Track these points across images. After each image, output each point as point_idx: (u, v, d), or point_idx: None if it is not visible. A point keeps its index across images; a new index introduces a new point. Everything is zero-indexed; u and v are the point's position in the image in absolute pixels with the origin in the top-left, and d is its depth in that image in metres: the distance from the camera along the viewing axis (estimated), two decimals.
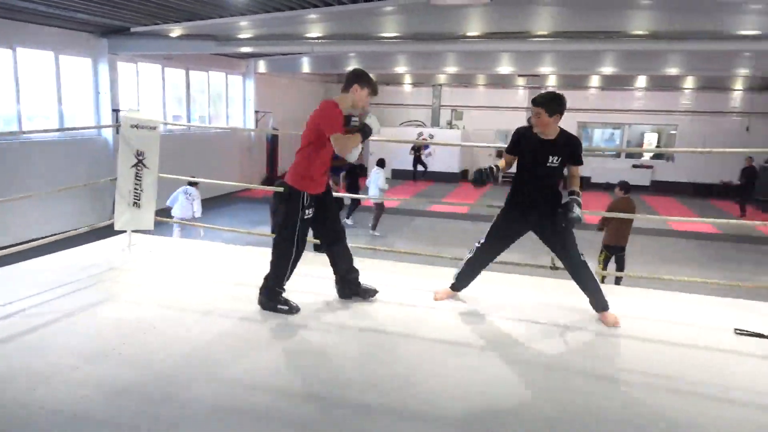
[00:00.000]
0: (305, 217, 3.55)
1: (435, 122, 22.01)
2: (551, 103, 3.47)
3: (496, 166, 3.67)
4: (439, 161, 20.59)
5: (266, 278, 3.64)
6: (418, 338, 3.36)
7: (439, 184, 19.98)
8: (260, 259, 4.93)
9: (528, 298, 4.05)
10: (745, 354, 3.29)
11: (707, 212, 15.69)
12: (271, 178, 16.93)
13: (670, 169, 20.20)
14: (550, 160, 3.53)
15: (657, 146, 21.02)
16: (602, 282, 6.76)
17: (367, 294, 3.89)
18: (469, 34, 9.47)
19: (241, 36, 10.76)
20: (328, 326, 3.48)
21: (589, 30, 8.85)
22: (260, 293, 3.64)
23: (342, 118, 3.50)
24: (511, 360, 3.11)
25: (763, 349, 3.34)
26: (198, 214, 9.10)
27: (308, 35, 10.33)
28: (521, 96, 21.32)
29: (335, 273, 3.87)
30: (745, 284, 4.80)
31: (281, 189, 7.08)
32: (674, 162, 20.18)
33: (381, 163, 12.16)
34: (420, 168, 20.73)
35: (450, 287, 3.93)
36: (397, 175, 20.18)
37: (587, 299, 3.68)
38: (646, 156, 20.78)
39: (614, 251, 7.92)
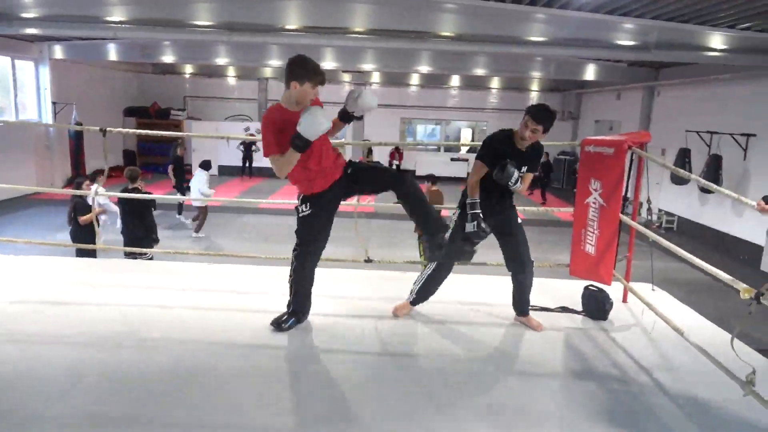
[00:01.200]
0: (300, 215, 3.27)
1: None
2: (549, 122, 3.29)
3: (474, 202, 3.36)
4: None
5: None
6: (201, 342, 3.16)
7: (270, 180, 19.55)
8: (47, 270, 4.31)
9: (347, 291, 4.06)
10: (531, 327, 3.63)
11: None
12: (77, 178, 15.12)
13: None
14: (520, 170, 3.36)
15: (471, 141, 22.89)
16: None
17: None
18: (288, 27, 9.30)
19: (25, 15, 9.33)
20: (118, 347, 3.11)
21: (403, 29, 9.24)
22: None
23: (277, 127, 2.99)
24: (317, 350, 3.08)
25: (550, 322, 3.72)
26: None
27: (109, 18, 9.30)
28: (347, 92, 21.75)
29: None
30: (539, 264, 5.33)
31: (79, 192, 6.37)
32: None
33: (205, 165, 11.31)
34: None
35: (410, 302, 3.69)
36: (225, 172, 19.36)
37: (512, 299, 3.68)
38: (463, 150, 22.56)
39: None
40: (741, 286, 2.43)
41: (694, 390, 2.88)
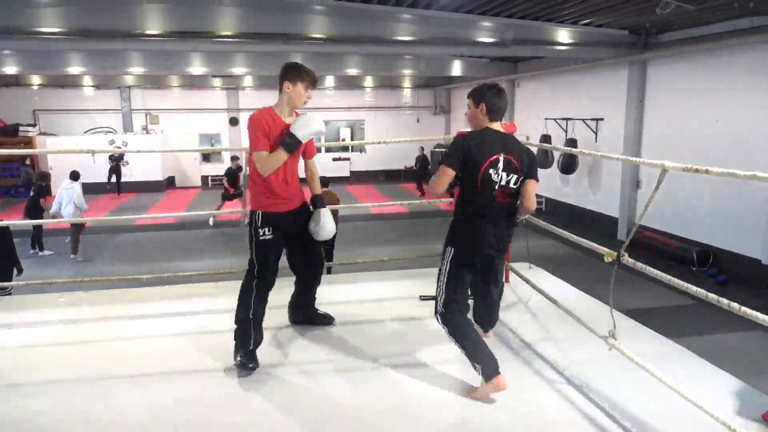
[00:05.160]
0: (260, 238, 3.05)
1: (128, 128, 20.09)
2: (474, 92, 2.93)
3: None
4: (140, 170, 18.83)
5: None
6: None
7: (143, 194, 18.37)
8: None
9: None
10: (428, 317, 3.77)
11: (396, 195, 18.02)
12: None
13: (364, 159, 22.51)
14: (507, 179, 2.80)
15: (351, 140, 23.12)
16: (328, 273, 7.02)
17: (324, 320, 3.62)
18: (149, 32, 8.79)
19: None
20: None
21: (272, 32, 9.11)
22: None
23: (264, 128, 2.98)
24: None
25: None
26: None
27: None
28: (219, 97, 21.00)
29: (293, 296, 3.60)
30: (421, 255, 5.55)
31: None
32: (366, 153, 22.54)
33: (75, 176, 10.36)
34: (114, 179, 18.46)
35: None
36: (89, 190, 17.82)
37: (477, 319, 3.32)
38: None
39: (324, 243, 8.27)
40: (603, 250, 2.71)
41: (571, 353, 3.18)
